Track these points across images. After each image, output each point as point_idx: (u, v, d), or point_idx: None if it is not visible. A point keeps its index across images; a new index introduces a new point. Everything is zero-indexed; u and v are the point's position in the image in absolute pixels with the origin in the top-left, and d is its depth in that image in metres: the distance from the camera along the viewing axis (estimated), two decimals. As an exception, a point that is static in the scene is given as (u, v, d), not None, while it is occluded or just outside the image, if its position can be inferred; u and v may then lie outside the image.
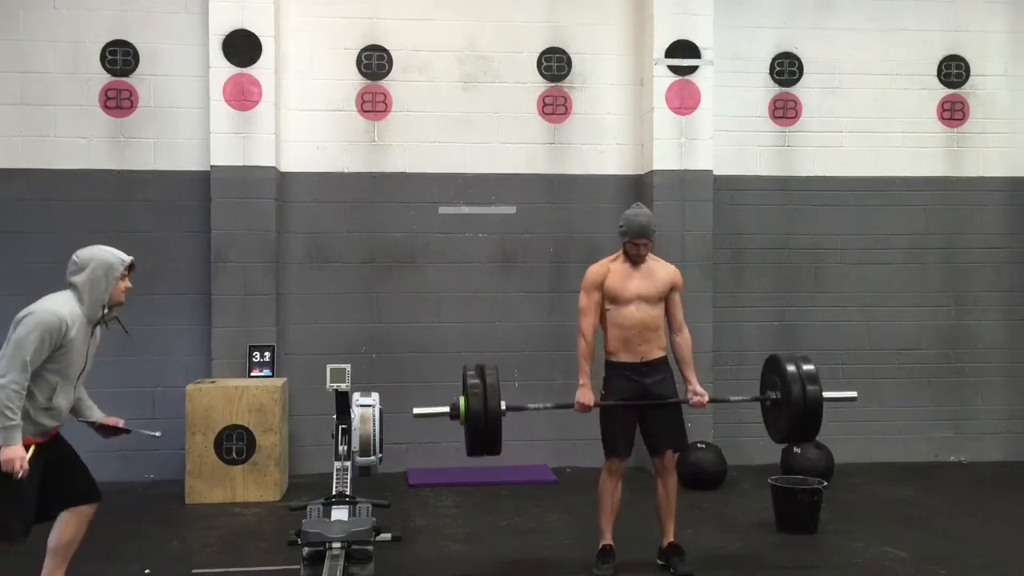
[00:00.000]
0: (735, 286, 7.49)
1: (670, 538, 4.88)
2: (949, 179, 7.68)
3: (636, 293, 4.76)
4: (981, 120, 7.70)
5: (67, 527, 4.03)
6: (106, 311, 4.04)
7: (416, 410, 4.75)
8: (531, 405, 5.02)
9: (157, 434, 4.49)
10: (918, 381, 7.65)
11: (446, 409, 4.63)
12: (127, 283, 4.13)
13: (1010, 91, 7.73)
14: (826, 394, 4.67)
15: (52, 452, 3.94)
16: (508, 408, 4.56)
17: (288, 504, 5.47)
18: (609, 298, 4.80)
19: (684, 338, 4.90)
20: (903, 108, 7.64)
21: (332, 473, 4.88)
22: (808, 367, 4.71)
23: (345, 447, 4.89)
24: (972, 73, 7.69)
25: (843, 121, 7.59)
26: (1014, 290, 7.72)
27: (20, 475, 3.68)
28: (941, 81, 7.69)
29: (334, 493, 4.72)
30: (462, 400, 4.56)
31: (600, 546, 4.85)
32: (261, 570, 4.92)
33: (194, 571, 4.89)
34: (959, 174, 7.68)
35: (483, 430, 4.50)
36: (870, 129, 7.60)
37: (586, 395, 4.77)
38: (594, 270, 4.89)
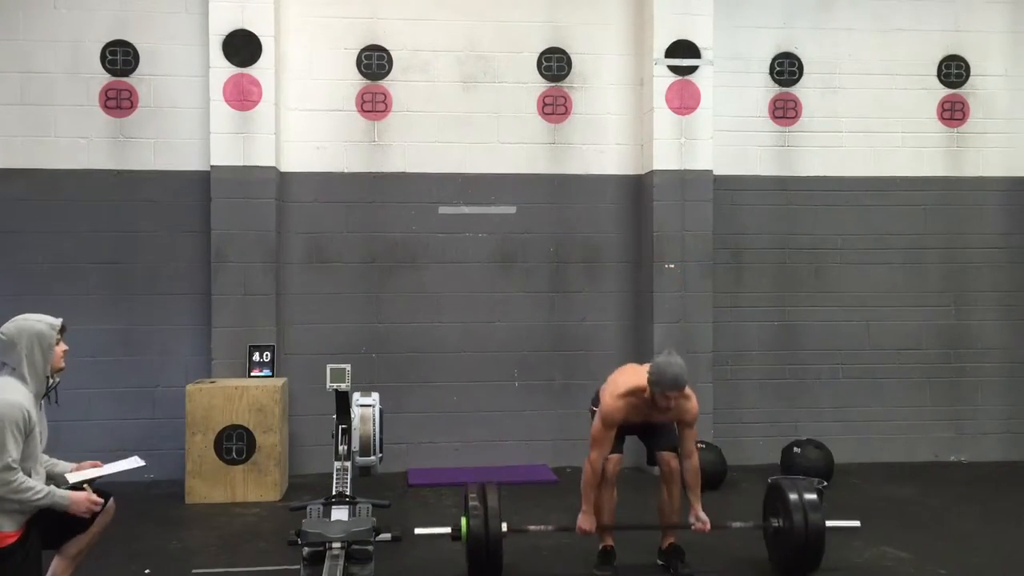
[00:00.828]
0: (735, 286, 7.49)
1: (670, 539, 4.89)
2: (949, 179, 7.68)
3: (644, 419, 4.72)
4: (981, 120, 7.70)
5: (83, 537, 3.98)
6: (50, 380, 3.89)
7: (417, 531, 4.84)
8: (531, 527, 4.96)
9: (141, 463, 4.24)
10: (918, 381, 7.65)
11: (447, 530, 4.70)
12: (63, 346, 3.94)
13: (1010, 91, 7.73)
14: (828, 523, 4.68)
15: (44, 517, 3.80)
16: (509, 530, 4.59)
17: (288, 504, 5.48)
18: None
19: (693, 464, 4.77)
20: (903, 108, 7.64)
21: (332, 473, 4.88)
22: (810, 496, 4.70)
23: (345, 447, 4.89)
24: (972, 73, 7.69)
25: (843, 121, 7.59)
26: (1014, 290, 7.72)
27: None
28: (941, 81, 7.69)
29: (334, 493, 4.73)
30: (463, 521, 4.59)
31: (600, 547, 4.85)
32: (261, 570, 4.92)
33: (194, 571, 4.89)
34: (959, 174, 7.68)
35: (484, 553, 4.51)
36: (870, 129, 7.60)
37: (588, 521, 4.71)
38: (616, 407, 4.63)
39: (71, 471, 4.00)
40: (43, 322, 3.88)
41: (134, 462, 4.20)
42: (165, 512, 6.06)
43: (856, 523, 4.95)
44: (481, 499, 4.58)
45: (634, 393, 4.61)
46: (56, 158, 6.90)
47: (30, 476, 3.71)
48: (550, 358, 7.31)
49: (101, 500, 3.82)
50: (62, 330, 3.95)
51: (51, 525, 3.81)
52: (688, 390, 4.56)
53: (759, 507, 5.99)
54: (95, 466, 4.06)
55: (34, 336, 3.82)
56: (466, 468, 6.73)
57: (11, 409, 3.65)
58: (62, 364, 3.93)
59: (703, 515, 4.74)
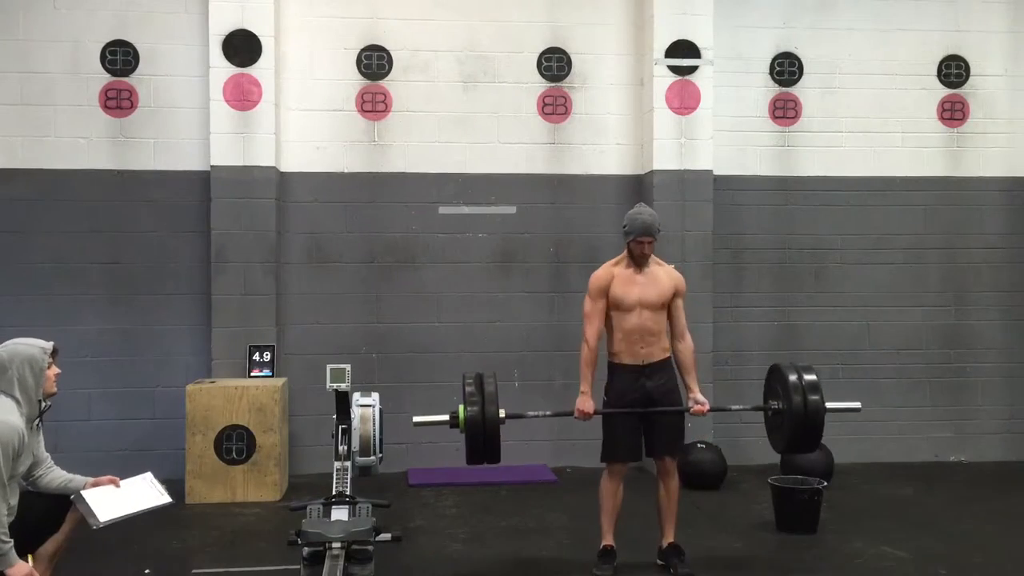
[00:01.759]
0: (735, 286, 7.49)
1: (670, 538, 4.89)
2: (949, 179, 7.67)
3: (639, 299, 4.76)
4: (981, 120, 7.70)
5: (58, 536, 3.97)
6: (42, 404, 3.88)
7: (416, 419, 4.79)
8: (531, 413, 5.02)
9: (167, 498, 4.19)
10: (918, 381, 7.65)
11: (445, 417, 4.65)
12: (55, 370, 3.93)
13: (1010, 91, 7.73)
14: (829, 404, 4.66)
15: (15, 524, 3.78)
16: (507, 416, 4.57)
17: (288, 504, 5.46)
18: (612, 303, 4.79)
19: (686, 345, 4.89)
20: (903, 108, 7.64)
21: (332, 473, 4.88)
22: (810, 377, 4.68)
23: (345, 447, 4.89)
24: (972, 73, 7.69)
25: (843, 121, 7.58)
26: (1014, 290, 7.71)
27: None
28: (941, 81, 7.69)
29: (334, 493, 4.72)
30: (461, 408, 4.57)
31: (601, 546, 4.85)
32: (261, 570, 4.92)
33: (194, 571, 4.89)
34: (959, 174, 7.68)
35: (481, 439, 4.51)
36: (870, 129, 7.60)
37: (586, 403, 4.77)
38: (599, 275, 4.87)
39: (86, 486, 3.97)
40: (35, 346, 3.88)
41: (156, 497, 4.12)
42: (165, 512, 6.02)
43: (856, 404, 4.93)
44: (478, 387, 4.58)
45: (616, 263, 4.86)
46: (56, 158, 6.90)
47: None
48: (550, 358, 7.31)
49: None
50: (54, 353, 3.94)
51: (23, 530, 3.79)
52: (676, 272, 4.92)
53: (760, 506, 6.03)
54: (112, 482, 4.03)
55: (25, 360, 3.82)
56: (466, 468, 6.69)
57: (7, 429, 3.65)
58: (54, 389, 3.93)
59: (700, 396, 4.84)
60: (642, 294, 4.77)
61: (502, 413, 4.53)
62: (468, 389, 4.58)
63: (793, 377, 4.68)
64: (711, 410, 4.94)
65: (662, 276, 4.85)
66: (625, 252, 4.85)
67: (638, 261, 4.80)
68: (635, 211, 4.82)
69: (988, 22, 7.70)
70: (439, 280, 7.28)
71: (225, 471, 6.31)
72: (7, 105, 6.87)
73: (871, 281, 7.61)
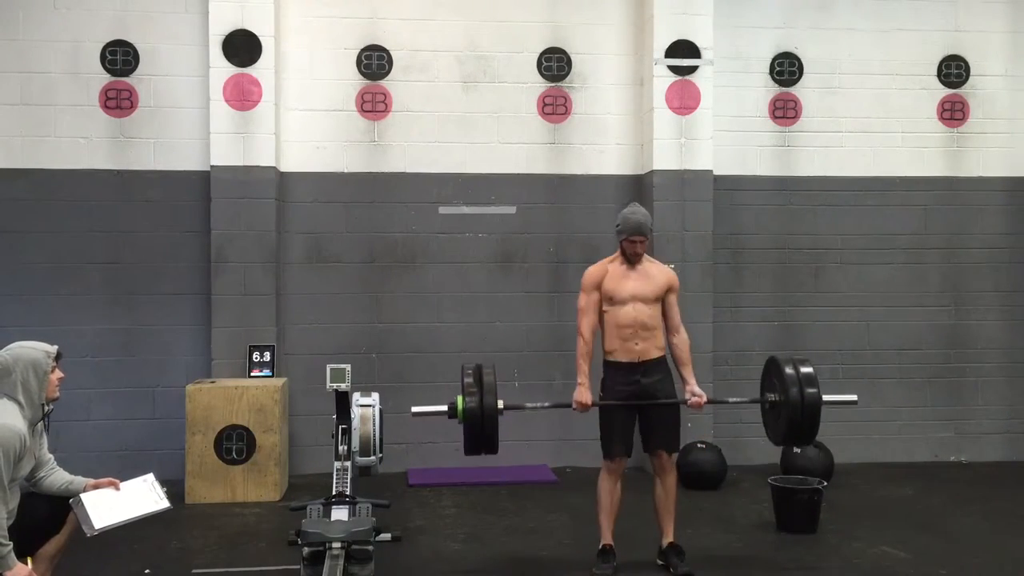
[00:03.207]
0: (735, 286, 7.49)
1: (670, 538, 4.89)
2: (949, 179, 7.67)
3: (632, 293, 4.79)
4: (981, 120, 7.70)
5: (59, 537, 3.96)
6: (45, 407, 3.88)
7: (414, 409, 4.80)
8: (529, 404, 5.04)
9: (165, 504, 4.15)
10: (918, 381, 7.65)
11: (444, 408, 4.66)
12: (58, 374, 3.92)
13: (1010, 91, 7.73)
14: (826, 397, 4.66)
15: (16, 525, 3.78)
16: (506, 407, 4.57)
17: (288, 504, 5.47)
18: (606, 298, 4.83)
19: (682, 339, 4.92)
20: (903, 108, 7.64)
21: (332, 473, 4.88)
22: (807, 370, 4.70)
23: (345, 447, 4.89)
24: (972, 73, 7.69)
25: (843, 121, 7.58)
26: (1014, 290, 7.71)
27: None
28: (941, 81, 7.69)
29: (334, 493, 4.72)
30: (460, 399, 4.57)
31: (600, 546, 4.85)
32: (261, 570, 4.92)
33: (194, 571, 4.89)
34: (959, 174, 7.68)
35: (480, 429, 4.51)
36: (870, 129, 7.60)
37: (584, 394, 4.79)
38: (592, 271, 4.93)
39: (86, 488, 3.97)
40: (39, 350, 3.87)
41: (154, 502, 4.10)
42: (165, 512, 6.04)
43: (853, 397, 4.94)
44: (477, 378, 4.59)
45: (611, 261, 4.92)
46: (56, 158, 6.90)
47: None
48: (550, 358, 7.30)
49: None
50: (57, 357, 3.93)
51: (23, 532, 3.78)
52: (669, 268, 4.99)
53: (760, 506, 6.03)
54: (112, 484, 4.01)
55: (29, 364, 3.81)
56: (466, 468, 6.74)
57: (9, 433, 3.66)
58: (56, 394, 3.92)
59: (697, 389, 4.87)
60: (636, 288, 4.80)
61: (500, 403, 4.54)
62: (467, 380, 4.60)
63: (790, 370, 4.69)
64: (708, 402, 4.97)
65: (655, 272, 4.90)
66: (619, 251, 4.90)
67: (631, 260, 4.85)
68: (628, 211, 4.88)
69: (988, 22, 7.70)
70: (439, 280, 7.28)
71: (225, 471, 6.31)
72: (7, 105, 6.87)
73: (871, 281, 7.61)
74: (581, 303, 4.89)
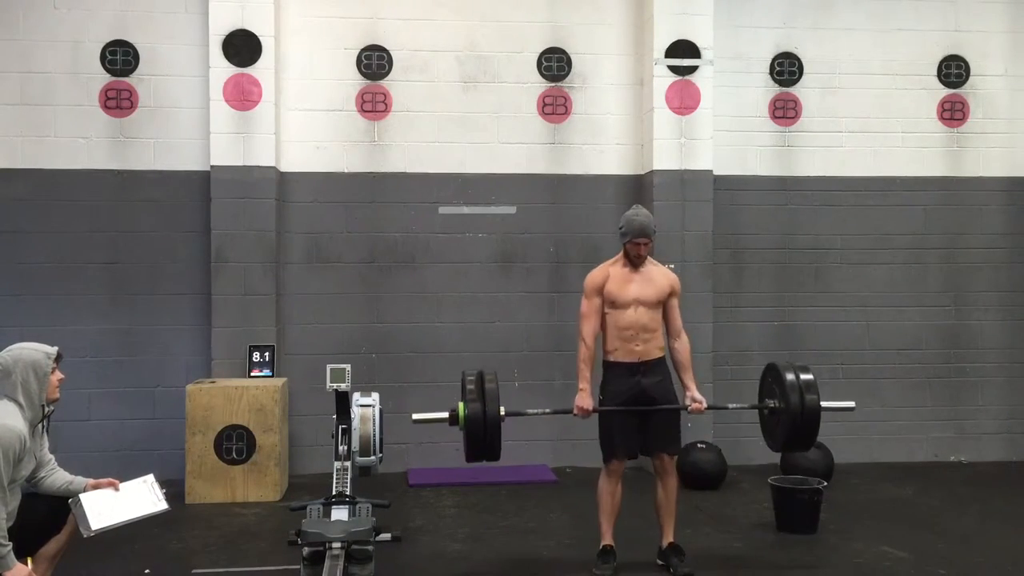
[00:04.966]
0: (735, 286, 7.49)
1: (670, 538, 4.89)
2: (949, 179, 7.67)
3: (635, 297, 4.79)
4: (981, 120, 7.70)
5: (60, 536, 3.97)
6: (45, 408, 3.87)
7: (415, 416, 4.78)
8: (530, 410, 5.04)
9: (164, 505, 4.14)
10: (918, 381, 7.65)
11: (445, 415, 4.63)
12: (59, 375, 3.92)
13: (1010, 91, 7.73)
14: (824, 404, 4.67)
15: (16, 526, 3.79)
16: (507, 414, 4.57)
17: (288, 504, 5.47)
18: (608, 301, 4.83)
19: (683, 344, 4.92)
20: (903, 108, 7.64)
21: (332, 473, 4.88)
22: (806, 376, 4.69)
23: (345, 447, 4.89)
24: (972, 73, 7.69)
25: (843, 121, 7.59)
26: (1014, 290, 7.72)
27: None
28: (941, 81, 7.69)
29: (334, 493, 4.72)
30: (461, 406, 4.56)
31: (600, 546, 4.85)
32: (261, 570, 4.92)
33: (194, 571, 4.89)
34: (959, 174, 7.68)
35: (481, 436, 4.50)
36: (870, 129, 7.60)
37: (585, 400, 4.78)
38: (594, 275, 4.92)
39: (86, 488, 3.96)
40: (39, 351, 3.87)
41: (153, 504, 4.09)
42: (165, 512, 6.05)
43: (851, 404, 4.93)
44: (478, 384, 4.58)
45: (613, 264, 4.91)
46: (56, 158, 6.90)
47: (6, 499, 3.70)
48: (550, 358, 7.31)
49: None
50: (58, 358, 3.93)
51: (24, 532, 3.77)
52: (671, 271, 4.99)
53: (760, 506, 6.03)
54: (111, 485, 4.00)
55: (29, 365, 3.81)
56: (466, 468, 6.70)
57: (9, 433, 3.65)
58: (57, 395, 3.92)
59: (698, 395, 4.86)
60: (639, 291, 4.80)
61: (502, 411, 4.53)
62: (468, 387, 4.58)
63: (790, 376, 4.69)
64: (709, 408, 4.96)
65: (658, 275, 4.89)
66: (621, 253, 4.89)
67: (634, 262, 4.84)
68: (631, 213, 4.86)
69: (988, 22, 7.70)
70: (439, 280, 7.28)
71: (225, 471, 6.31)
72: (7, 105, 6.87)
73: (871, 281, 7.61)
74: (584, 308, 4.88)
